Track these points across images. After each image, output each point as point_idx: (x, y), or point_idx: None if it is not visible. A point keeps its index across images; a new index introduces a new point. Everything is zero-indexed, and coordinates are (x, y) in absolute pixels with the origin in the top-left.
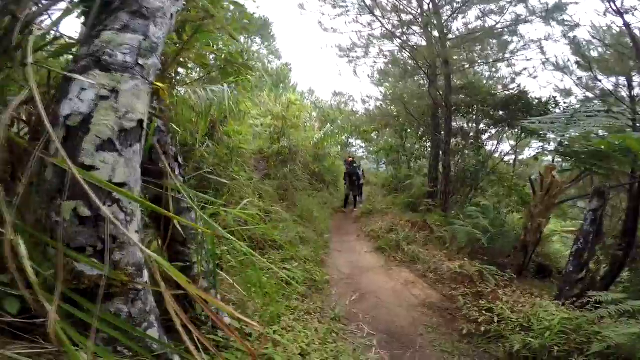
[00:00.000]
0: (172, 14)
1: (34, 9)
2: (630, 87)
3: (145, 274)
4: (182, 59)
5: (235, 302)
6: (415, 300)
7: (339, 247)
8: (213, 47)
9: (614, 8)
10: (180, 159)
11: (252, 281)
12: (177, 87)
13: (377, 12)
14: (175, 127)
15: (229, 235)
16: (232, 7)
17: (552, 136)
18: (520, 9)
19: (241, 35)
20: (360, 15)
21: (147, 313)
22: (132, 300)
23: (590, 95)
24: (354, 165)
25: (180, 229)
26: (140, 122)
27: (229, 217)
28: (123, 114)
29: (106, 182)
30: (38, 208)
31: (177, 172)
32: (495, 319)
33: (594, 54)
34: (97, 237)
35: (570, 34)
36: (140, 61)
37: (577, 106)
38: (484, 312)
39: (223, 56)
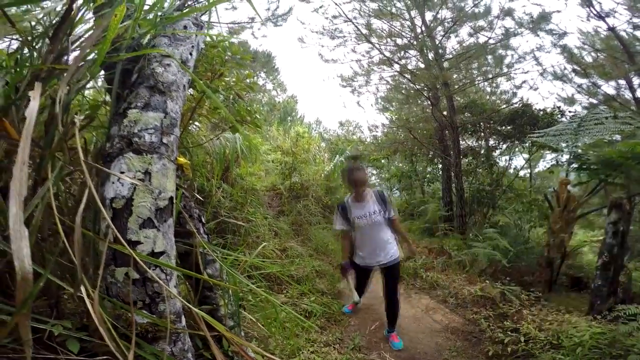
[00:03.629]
0: (184, 85)
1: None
2: (632, 90)
3: (183, 319)
4: (195, 116)
5: (258, 338)
6: (438, 326)
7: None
8: (223, 103)
9: (595, 12)
10: (203, 219)
11: (272, 318)
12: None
13: (374, 40)
14: (191, 172)
15: (247, 281)
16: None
17: (564, 145)
18: (509, 22)
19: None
20: (358, 44)
21: (185, 351)
22: (174, 341)
23: (594, 101)
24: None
25: (207, 278)
26: (171, 198)
27: (251, 259)
28: (157, 194)
29: (147, 257)
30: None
31: (201, 230)
32: (522, 339)
33: (589, 59)
34: (145, 293)
35: (560, 43)
36: (165, 140)
37: (583, 113)
38: (509, 332)
39: (225, 113)
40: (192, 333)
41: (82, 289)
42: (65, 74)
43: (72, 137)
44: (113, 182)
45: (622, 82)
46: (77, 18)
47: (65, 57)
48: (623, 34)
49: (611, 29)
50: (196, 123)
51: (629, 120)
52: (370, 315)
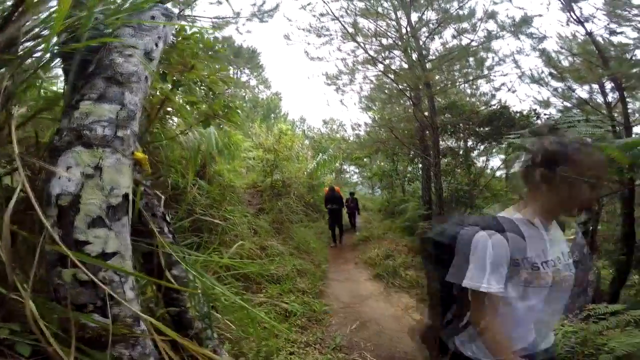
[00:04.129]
0: (146, 77)
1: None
2: (604, 94)
3: (142, 323)
4: (168, 109)
5: (233, 340)
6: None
7: (337, 277)
8: (195, 97)
9: (575, 17)
10: (168, 217)
11: (247, 319)
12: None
13: (360, 39)
14: (165, 167)
15: (217, 283)
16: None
17: None
18: (491, 25)
19: (229, 68)
20: (344, 42)
21: (146, 355)
22: (132, 345)
23: (568, 104)
24: (334, 192)
25: (172, 279)
26: (126, 195)
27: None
28: (109, 191)
29: (94, 259)
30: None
31: (165, 230)
32: None
33: (565, 63)
34: (95, 295)
35: (540, 46)
36: (119, 133)
37: (558, 116)
38: None
39: (204, 107)
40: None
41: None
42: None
43: (17, 130)
44: (59, 178)
45: (595, 86)
46: (30, 8)
47: (16, 47)
48: (599, 39)
49: (589, 34)
50: (174, 118)
51: (599, 123)
52: (351, 314)
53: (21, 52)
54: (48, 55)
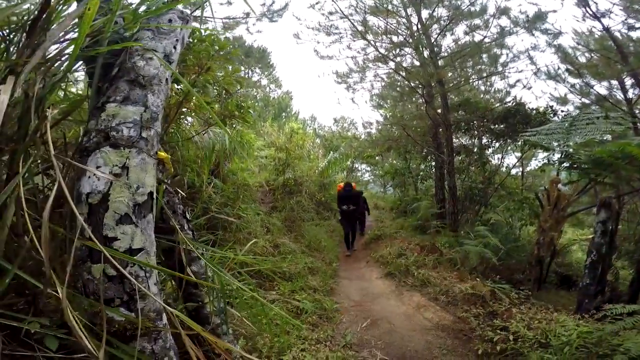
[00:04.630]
0: (167, 79)
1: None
2: (624, 90)
3: (164, 317)
4: (183, 109)
5: (247, 335)
6: (428, 324)
7: (348, 275)
8: (210, 97)
9: (591, 12)
10: (188, 215)
11: (261, 315)
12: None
13: (370, 37)
14: (172, 167)
15: (233, 279)
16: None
17: (555, 145)
18: (504, 21)
19: (241, 68)
20: (354, 40)
21: (167, 349)
22: (154, 339)
23: (586, 101)
24: (349, 189)
25: (192, 275)
26: (150, 194)
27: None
28: (135, 189)
29: (122, 254)
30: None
31: (185, 227)
32: (511, 337)
33: (582, 59)
34: (122, 290)
35: (555, 42)
36: (144, 134)
37: (575, 113)
38: (498, 331)
39: (216, 106)
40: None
41: (57, 286)
42: (41, 68)
43: (46, 132)
44: (89, 177)
45: (614, 82)
46: (56, 12)
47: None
48: (617, 34)
49: (606, 30)
50: (188, 118)
51: (620, 120)
52: (362, 313)
53: (49, 56)
54: (74, 58)
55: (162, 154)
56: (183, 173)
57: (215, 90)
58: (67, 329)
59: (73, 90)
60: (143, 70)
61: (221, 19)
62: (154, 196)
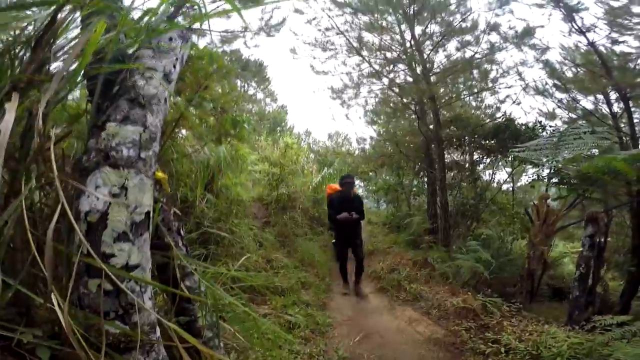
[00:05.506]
0: (165, 98)
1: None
2: (609, 104)
3: (158, 330)
4: (180, 127)
5: (238, 350)
6: (421, 337)
7: (341, 290)
8: (206, 113)
9: (576, 27)
10: (182, 231)
11: (253, 329)
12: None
13: (364, 53)
14: (168, 187)
15: (225, 294)
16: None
17: (544, 160)
18: (494, 37)
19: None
20: (349, 56)
21: None
22: (147, 351)
23: (574, 116)
24: (347, 192)
25: (185, 290)
26: (148, 213)
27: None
28: (133, 209)
29: (120, 270)
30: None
31: (179, 243)
32: (503, 350)
33: (569, 74)
34: (118, 304)
35: (543, 57)
36: (142, 154)
37: (563, 128)
38: (490, 343)
39: (211, 120)
40: (170, 344)
41: (54, 299)
42: (45, 85)
43: (48, 150)
44: (88, 196)
45: (600, 96)
46: (61, 28)
47: (47, 68)
48: (602, 48)
49: (591, 44)
50: (182, 131)
51: (606, 135)
52: (354, 327)
53: (53, 73)
54: (77, 78)
55: (160, 174)
56: (176, 187)
57: (211, 105)
58: (59, 340)
59: (70, 97)
60: (143, 89)
61: (219, 32)
62: (150, 215)
